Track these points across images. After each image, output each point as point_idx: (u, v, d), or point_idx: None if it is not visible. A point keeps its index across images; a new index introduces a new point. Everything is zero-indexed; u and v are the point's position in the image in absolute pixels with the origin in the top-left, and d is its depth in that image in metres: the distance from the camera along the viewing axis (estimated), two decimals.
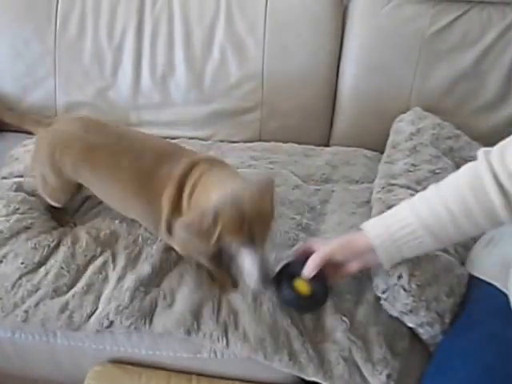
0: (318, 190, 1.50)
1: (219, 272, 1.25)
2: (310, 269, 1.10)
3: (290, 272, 1.14)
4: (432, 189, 1.03)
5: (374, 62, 1.63)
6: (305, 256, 1.12)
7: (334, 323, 1.14)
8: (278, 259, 1.22)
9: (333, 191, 1.50)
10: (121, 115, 1.79)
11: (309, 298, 1.13)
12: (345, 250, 1.10)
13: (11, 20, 1.76)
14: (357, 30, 1.63)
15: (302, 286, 1.12)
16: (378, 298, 1.16)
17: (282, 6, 1.64)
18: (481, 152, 0.98)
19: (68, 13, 1.72)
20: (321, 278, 1.11)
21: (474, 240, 1.24)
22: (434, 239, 1.01)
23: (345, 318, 1.14)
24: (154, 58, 1.71)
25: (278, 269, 1.16)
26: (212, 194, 1.09)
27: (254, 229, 1.05)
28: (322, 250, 1.10)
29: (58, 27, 1.72)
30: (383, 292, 1.13)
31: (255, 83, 1.68)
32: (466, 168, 1.00)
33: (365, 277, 1.20)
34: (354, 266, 1.12)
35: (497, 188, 0.94)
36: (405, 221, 1.03)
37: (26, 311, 1.21)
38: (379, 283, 1.14)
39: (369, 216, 1.33)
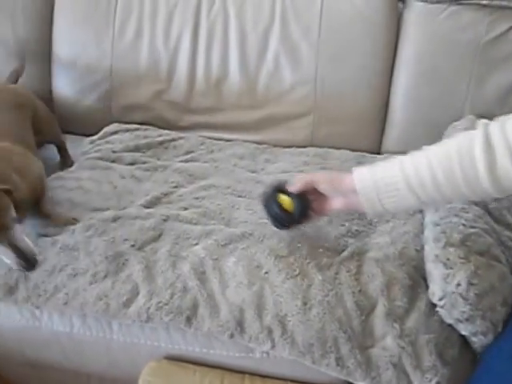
0: None
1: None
2: (295, 184, 1.21)
3: (276, 189, 1.27)
4: (424, 148, 1.08)
5: (428, 69, 1.66)
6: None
7: (384, 329, 1.17)
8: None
9: None
10: (174, 118, 1.87)
11: (289, 214, 1.24)
12: (330, 183, 1.17)
13: (72, 24, 1.85)
14: (412, 36, 1.66)
15: (284, 201, 1.24)
16: (430, 306, 1.19)
17: (336, 11, 1.69)
18: (480, 122, 1.02)
19: (126, 17, 1.80)
20: (304, 200, 1.23)
21: None
22: (415, 197, 1.05)
23: (395, 325, 1.17)
24: (209, 62, 1.78)
25: (270, 185, 1.29)
26: None
27: None
28: (311, 174, 1.20)
29: (115, 31, 1.81)
30: (440, 299, 1.15)
31: (308, 89, 1.73)
32: (461, 134, 1.04)
33: (417, 284, 1.23)
34: (337, 203, 1.19)
35: (485, 156, 0.95)
36: (390, 172, 1.08)
37: (67, 294, 1.28)
38: (436, 290, 1.16)
39: (421, 224, 1.39)
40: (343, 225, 1.43)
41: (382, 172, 1.10)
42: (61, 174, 1.65)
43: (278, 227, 1.32)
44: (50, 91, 1.93)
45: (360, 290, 1.24)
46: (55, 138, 1.76)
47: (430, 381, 1.12)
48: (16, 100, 1.61)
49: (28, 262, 1.19)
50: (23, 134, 1.55)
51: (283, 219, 1.27)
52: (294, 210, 1.24)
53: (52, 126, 1.77)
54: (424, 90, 1.68)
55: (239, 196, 1.55)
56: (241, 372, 1.28)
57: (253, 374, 1.28)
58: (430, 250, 1.22)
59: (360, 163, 1.66)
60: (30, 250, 1.20)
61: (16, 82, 1.78)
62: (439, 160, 1.02)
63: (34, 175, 1.39)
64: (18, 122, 1.56)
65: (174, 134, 1.82)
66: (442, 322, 1.18)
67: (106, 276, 1.30)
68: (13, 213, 1.18)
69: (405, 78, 1.70)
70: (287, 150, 1.78)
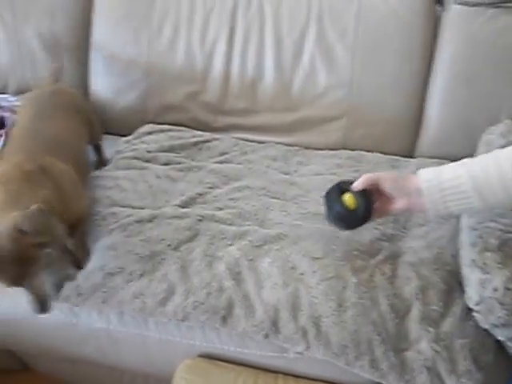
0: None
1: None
2: (359, 182, 1.21)
3: (340, 188, 1.27)
4: (493, 152, 1.09)
5: (465, 72, 1.65)
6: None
7: (419, 333, 1.19)
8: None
9: None
10: (208, 119, 1.88)
11: (353, 212, 1.23)
12: (395, 183, 1.18)
13: (111, 23, 1.88)
14: (449, 39, 1.66)
15: (348, 200, 1.23)
16: (466, 311, 1.20)
17: (373, 14, 1.69)
18: None
19: (164, 17, 1.82)
20: (367, 198, 1.22)
21: None
22: (481, 199, 1.06)
23: (431, 329, 1.18)
24: (244, 63, 1.80)
25: (331, 185, 1.29)
26: None
27: (15, 270, 1.10)
28: (376, 173, 1.20)
29: (153, 32, 1.83)
30: (476, 304, 1.15)
31: (343, 92, 1.74)
32: None
33: (452, 289, 1.25)
34: (399, 204, 1.19)
35: None
36: (456, 173, 1.09)
37: (105, 292, 1.31)
38: (472, 295, 1.16)
39: (456, 229, 1.39)
40: (377, 228, 1.44)
41: (447, 173, 1.11)
42: (97, 172, 1.69)
43: (339, 226, 1.30)
44: (88, 91, 1.97)
45: (395, 294, 1.25)
46: (98, 139, 1.79)
47: None
48: (71, 104, 1.63)
49: (43, 307, 1.17)
50: (79, 143, 1.57)
51: (346, 217, 1.26)
52: (357, 209, 1.23)
53: (98, 126, 1.79)
54: (460, 93, 1.68)
55: (273, 197, 1.57)
56: (275, 372, 1.30)
57: (286, 373, 1.30)
58: (467, 254, 1.22)
59: (393, 167, 1.68)
60: (46, 296, 1.18)
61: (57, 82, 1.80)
62: (508, 159, 1.03)
63: (79, 209, 1.38)
64: (75, 130, 1.58)
65: (207, 136, 1.84)
66: (477, 326, 1.19)
67: (142, 275, 1.33)
68: (42, 263, 1.16)
69: (441, 81, 1.69)
70: (319, 152, 1.79)
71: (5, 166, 1.34)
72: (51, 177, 1.31)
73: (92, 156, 1.77)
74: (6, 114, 1.76)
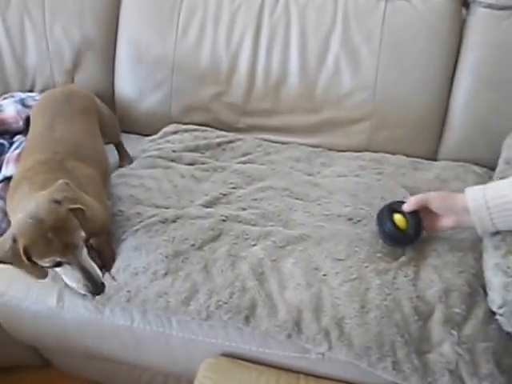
0: None
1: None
2: (409, 203, 1.27)
3: (391, 209, 1.35)
4: None
5: (490, 76, 1.65)
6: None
7: (442, 335, 1.19)
8: None
9: None
10: (231, 120, 1.90)
11: (404, 232, 1.32)
12: (443, 201, 1.24)
13: (137, 24, 1.90)
14: (475, 43, 1.66)
15: (399, 220, 1.31)
16: (489, 314, 1.20)
17: (399, 17, 1.69)
18: None
19: (190, 18, 1.84)
20: (417, 218, 1.30)
21: None
22: None
23: (453, 331, 1.18)
24: (269, 64, 1.80)
25: (382, 206, 1.37)
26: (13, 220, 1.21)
27: (60, 240, 1.14)
28: (424, 194, 1.27)
29: (178, 32, 1.84)
30: (500, 307, 1.16)
31: (367, 94, 1.74)
32: None
33: (475, 292, 1.25)
34: (448, 222, 1.26)
35: None
36: (502, 191, 1.12)
37: (129, 291, 1.33)
38: (496, 298, 1.17)
39: None
40: None
41: (494, 192, 1.14)
42: (122, 170, 1.72)
43: (391, 245, 1.37)
44: (113, 91, 1.99)
45: (418, 296, 1.26)
46: (116, 138, 1.80)
47: None
48: (86, 105, 1.63)
49: (96, 285, 1.21)
50: (97, 145, 1.57)
51: (398, 237, 1.34)
52: (409, 229, 1.32)
53: (114, 126, 1.80)
54: (485, 97, 1.67)
55: (296, 198, 1.58)
56: (296, 372, 1.31)
57: (307, 374, 1.31)
58: (490, 258, 1.22)
59: (416, 169, 1.68)
60: (97, 273, 1.23)
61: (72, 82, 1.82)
62: None
63: (100, 217, 1.37)
64: (92, 132, 1.58)
65: (231, 136, 1.86)
66: (500, 330, 1.19)
67: (166, 274, 1.34)
68: (82, 233, 1.20)
69: (466, 84, 1.69)
70: (343, 154, 1.80)
71: (28, 164, 1.37)
72: (76, 179, 1.33)
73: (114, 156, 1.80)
74: None
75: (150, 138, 1.85)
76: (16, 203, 1.29)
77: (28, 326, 1.51)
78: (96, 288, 1.21)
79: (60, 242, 1.14)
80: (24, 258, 1.13)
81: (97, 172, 1.44)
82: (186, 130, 1.87)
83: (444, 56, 1.69)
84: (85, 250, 1.23)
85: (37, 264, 1.17)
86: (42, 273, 1.23)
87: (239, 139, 1.85)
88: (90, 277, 1.20)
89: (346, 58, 1.74)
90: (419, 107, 1.74)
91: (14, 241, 1.13)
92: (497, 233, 1.25)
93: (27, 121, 1.72)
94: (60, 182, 1.22)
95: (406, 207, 1.31)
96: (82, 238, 1.20)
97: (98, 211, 1.30)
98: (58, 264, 1.18)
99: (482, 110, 1.69)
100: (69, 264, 1.19)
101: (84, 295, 1.34)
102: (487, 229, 1.18)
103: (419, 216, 1.31)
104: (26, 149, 1.50)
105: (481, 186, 1.18)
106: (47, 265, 1.17)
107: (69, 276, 1.22)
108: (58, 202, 1.17)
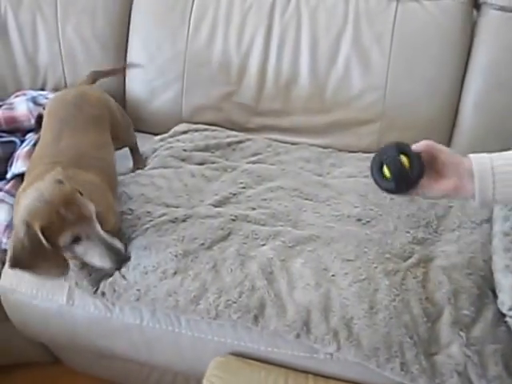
0: (435, 204, 1.54)
1: None
2: (418, 144, 1.15)
3: (398, 147, 1.17)
4: None
5: (500, 78, 1.65)
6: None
7: (450, 337, 1.19)
8: None
9: (450, 207, 1.54)
10: (242, 120, 1.91)
11: (406, 172, 1.13)
12: (451, 159, 1.12)
13: (149, 22, 1.91)
14: (486, 44, 1.66)
15: (404, 159, 1.14)
16: (498, 316, 1.20)
17: (410, 18, 1.69)
18: None
19: (201, 18, 1.84)
20: (421, 163, 1.14)
21: None
22: None
23: (462, 333, 1.18)
24: (280, 65, 1.81)
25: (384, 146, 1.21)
26: (20, 207, 1.19)
27: (73, 213, 1.15)
28: (434, 143, 1.15)
29: (190, 32, 1.85)
30: (509, 309, 1.17)
31: (377, 95, 1.74)
32: None
33: (484, 294, 1.25)
34: (448, 184, 1.12)
35: None
36: (509, 160, 1.07)
37: (139, 290, 1.33)
38: (505, 300, 1.18)
39: (488, 234, 1.40)
40: (408, 232, 1.46)
41: (501, 159, 1.08)
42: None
43: (388, 185, 1.18)
44: (124, 90, 2.00)
45: (427, 298, 1.26)
46: (130, 142, 1.79)
47: None
48: (97, 113, 1.59)
49: (119, 253, 1.21)
50: (104, 152, 1.54)
51: (400, 176, 1.15)
52: (412, 168, 1.15)
53: (128, 130, 1.79)
54: (496, 99, 1.67)
55: (306, 199, 1.58)
56: (305, 372, 1.31)
57: (316, 374, 1.30)
58: (500, 260, 1.23)
59: None
60: (116, 244, 1.23)
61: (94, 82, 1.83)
62: None
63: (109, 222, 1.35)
64: (100, 138, 1.55)
65: (241, 136, 1.86)
66: (509, 332, 1.19)
67: (175, 273, 1.34)
68: (92, 206, 1.21)
69: (477, 86, 1.69)
70: (353, 154, 1.81)
71: (30, 178, 1.37)
72: (78, 185, 1.30)
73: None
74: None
75: (160, 136, 1.86)
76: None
77: (38, 323, 1.51)
78: (120, 256, 1.21)
79: (73, 215, 1.15)
80: (43, 240, 1.13)
81: (102, 180, 1.42)
82: (197, 130, 1.87)
83: (455, 57, 1.70)
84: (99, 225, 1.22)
85: (56, 251, 1.16)
86: (61, 264, 1.22)
87: (249, 139, 1.85)
88: (111, 246, 1.20)
89: (356, 59, 1.75)
90: (429, 109, 1.74)
91: (28, 226, 1.13)
92: (507, 235, 1.26)
93: (39, 118, 1.73)
94: (58, 168, 1.24)
95: (414, 147, 1.16)
96: (93, 211, 1.20)
97: (106, 215, 1.30)
98: (77, 240, 1.18)
99: (492, 112, 1.69)
100: (87, 238, 1.19)
101: (95, 292, 1.35)
102: (486, 199, 1.08)
103: (422, 161, 1.15)
104: (31, 163, 1.48)
105: (486, 154, 1.10)
106: (67, 241, 1.17)
107: (90, 252, 1.21)
108: (60, 181, 1.19)
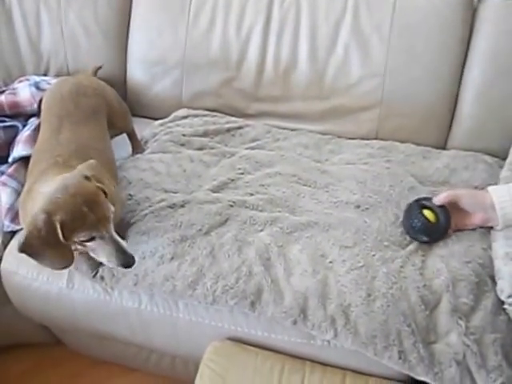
0: (434, 192, 1.45)
1: None
2: (440, 198, 1.29)
3: (419, 204, 1.33)
4: None
5: (501, 65, 1.57)
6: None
7: (449, 325, 1.13)
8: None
9: None
10: (241, 106, 1.84)
11: (434, 225, 1.28)
12: (472, 199, 1.26)
13: (150, 10, 1.84)
14: (486, 32, 1.58)
15: (429, 214, 1.29)
16: (497, 305, 1.14)
17: (410, 5, 1.61)
18: None
19: (201, 5, 1.77)
20: (446, 211, 1.29)
21: None
22: None
23: (461, 322, 1.13)
24: (279, 51, 1.73)
25: (410, 201, 1.35)
26: (38, 200, 1.13)
27: (95, 213, 1.09)
28: (453, 191, 1.29)
29: (190, 18, 1.78)
30: (509, 296, 1.11)
31: (376, 82, 1.67)
32: None
33: (483, 282, 1.19)
34: (477, 218, 1.27)
35: None
36: None
37: (136, 275, 1.28)
38: (505, 287, 1.12)
39: None
40: None
41: None
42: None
43: (421, 239, 1.31)
44: (125, 76, 1.93)
45: (425, 285, 1.20)
46: (127, 128, 1.72)
47: (495, 381, 1.08)
48: (94, 105, 1.52)
49: (128, 256, 1.15)
50: (102, 141, 1.49)
51: (429, 230, 1.29)
52: (439, 222, 1.29)
53: (125, 118, 1.72)
54: (496, 87, 1.59)
55: (304, 185, 1.51)
56: (302, 358, 1.26)
57: (314, 361, 1.25)
58: (500, 247, 1.18)
59: (425, 158, 1.61)
60: (126, 247, 1.17)
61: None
62: None
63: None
64: (98, 128, 1.49)
65: (240, 122, 1.79)
66: (509, 321, 1.13)
67: (172, 258, 1.29)
68: (111, 206, 1.16)
69: (477, 74, 1.61)
70: (351, 141, 1.73)
71: (33, 176, 1.30)
72: None
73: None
74: None
75: (161, 121, 1.80)
76: (30, 212, 1.20)
77: (38, 305, 1.47)
78: (128, 259, 1.15)
79: (94, 216, 1.10)
80: (60, 235, 1.07)
81: (105, 172, 1.36)
82: (196, 115, 1.81)
83: (455, 44, 1.61)
84: (113, 227, 1.17)
85: (66, 244, 1.11)
86: (67, 257, 1.16)
87: (248, 125, 1.78)
88: (121, 249, 1.14)
89: (355, 45, 1.67)
90: (429, 96, 1.66)
91: (49, 218, 1.07)
92: None
93: (41, 104, 1.66)
94: (90, 161, 1.19)
95: (436, 201, 1.30)
96: (111, 211, 1.15)
97: (117, 199, 1.27)
98: (91, 239, 1.13)
99: (493, 99, 1.61)
100: (101, 238, 1.13)
101: (94, 276, 1.32)
102: (507, 222, 1.18)
103: (447, 209, 1.29)
104: (33, 157, 1.42)
105: (502, 186, 1.21)
106: (82, 239, 1.12)
107: (100, 251, 1.15)
108: (87, 177, 1.13)
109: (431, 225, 1.28)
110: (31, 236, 1.08)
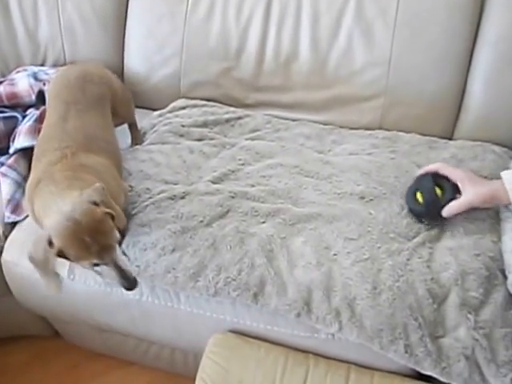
0: None
1: None
2: (451, 210, 1.25)
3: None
4: None
5: (510, 53, 1.51)
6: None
7: (458, 319, 1.10)
8: None
9: None
10: (241, 96, 1.79)
11: (440, 200, 1.27)
12: (486, 204, 1.24)
13: None
14: (495, 18, 1.51)
15: (438, 191, 1.29)
16: (508, 299, 1.11)
17: None
18: None
19: None
20: (453, 190, 1.27)
21: None
22: None
23: (470, 316, 1.09)
24: (279, 40, 1.68)
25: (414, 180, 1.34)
26: (44, 220, 1.14)
27: (98, 243, 1.07)
28: (466, 199, 1.23)
29: (189, 7, 1.73)
30: None
31: (380, 70, 1.61)
32: None
33: (493, 276, 1.15)
34: (484, 189, 1.23)
35: None
36: None
37: (138, 266, 1.25)
38: None
39: (497, 215, 1.29)
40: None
41: None
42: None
43: (421, 214, 1.29)
44: (122, 66, 1.89)
45: (432, 278, 1.16)
46: (130, 118, 1.69)
47: (505, 376, 1.04)
48: (100, 93, 1.49)
49: (129, 281, 1.13)
50: (108, 131, 1.46)
51: (434, 204, 1.27)
52: (444, 196, 1.26)
53: (129, 107, 1.69)
54: (506, 74, 1.53)
55: (306, 176, 1.47)
56: (305, 351, 1.23)
57: (317, 354, 1.22)
58: (510, 240, 1.15)
59: (431, 148, 1.56)
60: (129, 270, 1.15)
61: None
62: None
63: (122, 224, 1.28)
64: (103, 118, 1.47)
65: (240, 112, 1.74)
66: None
67: (173, 250, 1.26)
68: (117, 234, 1.14)
69: (486, 61, 1.55)
70: (354, 131, 1.68)
71: (41, 165, 1.28)
72: (92, 168, 1.26)
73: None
74: (46, 88, 1.69)
75: (159, 112, 1.76)
76: (42, 205, 1.19)
77: (38, 296, 1.44)
78: (130, 284, 1.14)
79: (97, 245, 1.08)
80: (53, 262, 1.08)
81: (110, 161, 1.36)
82: (195, 105, 1.76)
83: (463, 31, 1.55)
84: (119, 249, 1.16)
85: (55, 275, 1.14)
86: (58, 286, 1.18)
87: (248, 115, 1.73)
88: (124, 275, 1.13)
89: (359, 32, 1.61)
90: (436, 84, 1.60)
91: (50, 242, 1.07)
92: None
93: (39, 94, 1.67)
94: (97, 185, 1.15)
95: (445, 213, 1.26)
96: (117, 239, 1.13)
97: (122, 217, 1.24)
98: (95, 265, 1.12)
99: (501, 88, 1.55)
100: (105, 264, 1.12)
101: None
102: None
103: (456, 189, 1.27)
104: (39, 144, 1.38)
105: None
106: (84, 266, 1.12)
107: (103, 274, 1.15)
108: (95, 203, 1.10)
109: (436, 200, 1.26)
110: (31, 257, 1.10)
